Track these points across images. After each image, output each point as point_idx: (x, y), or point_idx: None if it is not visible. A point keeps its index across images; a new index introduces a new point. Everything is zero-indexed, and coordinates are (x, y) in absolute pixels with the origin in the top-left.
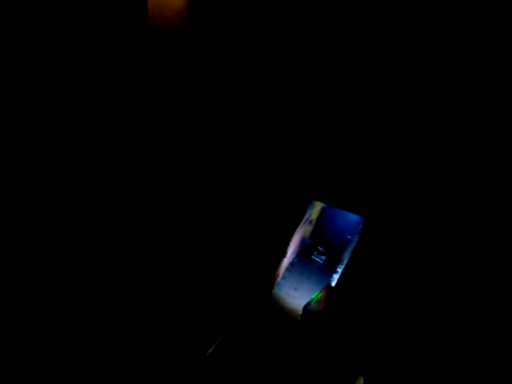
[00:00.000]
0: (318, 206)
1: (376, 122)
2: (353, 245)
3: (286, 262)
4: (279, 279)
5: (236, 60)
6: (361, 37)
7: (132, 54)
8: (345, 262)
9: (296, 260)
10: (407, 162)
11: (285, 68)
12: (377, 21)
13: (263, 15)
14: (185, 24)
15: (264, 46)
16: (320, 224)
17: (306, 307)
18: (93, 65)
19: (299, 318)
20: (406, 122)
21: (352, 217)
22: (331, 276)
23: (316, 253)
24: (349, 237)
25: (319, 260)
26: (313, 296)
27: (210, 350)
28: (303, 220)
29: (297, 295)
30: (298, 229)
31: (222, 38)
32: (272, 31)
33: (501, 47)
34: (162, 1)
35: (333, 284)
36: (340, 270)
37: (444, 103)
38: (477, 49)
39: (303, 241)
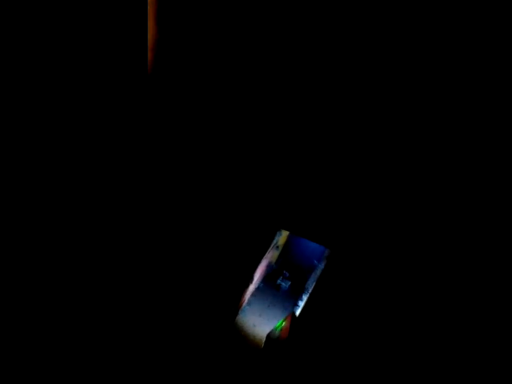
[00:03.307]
0: (286, 232)
1: (335, 160)
2: (318, 271)
3: (252, 287)
4: (244, 305)
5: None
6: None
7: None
8: (309, 290)
9: (261, 285)
10: (372, 196)
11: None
12: (372, 20)
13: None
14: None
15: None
16: (286, 249)
17: (270, 335)
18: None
19: (262, 346)
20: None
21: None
22: (296, 303)
23: (281, 277)
24: (315, 262)
25: (284, 285)
26: (277, 324)
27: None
28: (271, 246)
29: (261, 322)
30: (266, 254)
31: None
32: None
33: (502, 47)
34: None
35: (297, 313)
36: (304, 298)
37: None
38: (477, 49)
39: (269, 266)
